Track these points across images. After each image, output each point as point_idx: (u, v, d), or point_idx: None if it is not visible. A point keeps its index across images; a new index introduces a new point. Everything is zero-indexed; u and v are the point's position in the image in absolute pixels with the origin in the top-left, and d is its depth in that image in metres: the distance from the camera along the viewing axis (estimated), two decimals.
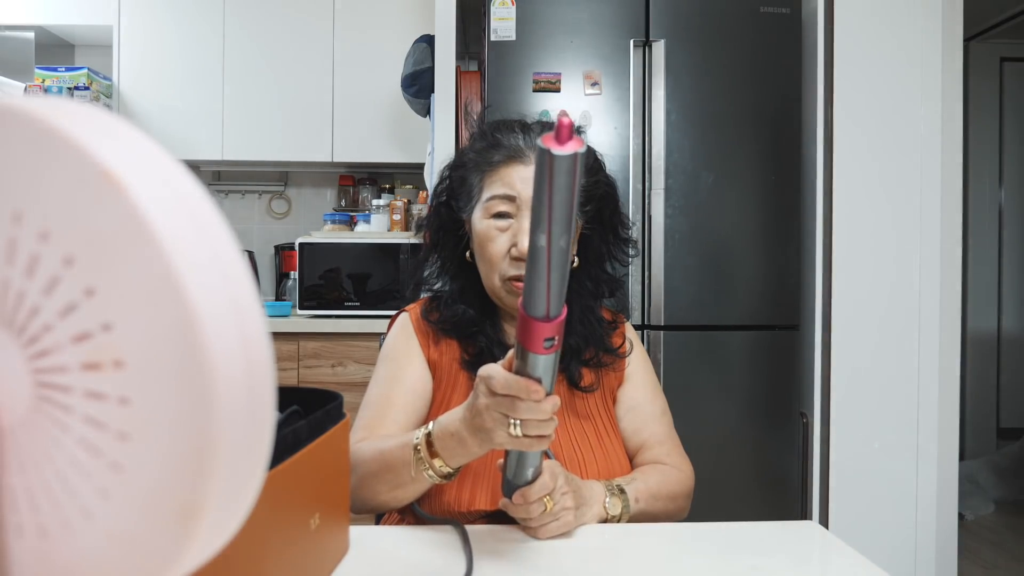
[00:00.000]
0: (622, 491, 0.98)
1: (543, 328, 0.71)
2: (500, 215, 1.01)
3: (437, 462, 0.86)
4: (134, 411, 0.29)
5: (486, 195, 1.01)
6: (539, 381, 0.74)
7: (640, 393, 1.12)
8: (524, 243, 0.97)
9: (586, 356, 1.08)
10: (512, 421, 0.76)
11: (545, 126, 1.06)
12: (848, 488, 2.17)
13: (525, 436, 0.77)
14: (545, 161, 0.62)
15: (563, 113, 0.62)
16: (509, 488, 0.87)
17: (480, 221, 1.02)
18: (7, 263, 0.30)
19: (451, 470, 0.87)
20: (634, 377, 1.13)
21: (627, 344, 1.13)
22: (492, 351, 1.05)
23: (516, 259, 1.00)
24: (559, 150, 0.62)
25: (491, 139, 1.04)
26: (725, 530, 0.93)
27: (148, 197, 0.28)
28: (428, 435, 0.86)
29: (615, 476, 1.03)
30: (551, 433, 0.77)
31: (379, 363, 1.10)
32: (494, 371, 0.76)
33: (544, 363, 0.74)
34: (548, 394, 0.75)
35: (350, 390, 2.36)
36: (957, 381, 2.22)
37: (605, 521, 0.95)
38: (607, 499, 0.96)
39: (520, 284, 1.00)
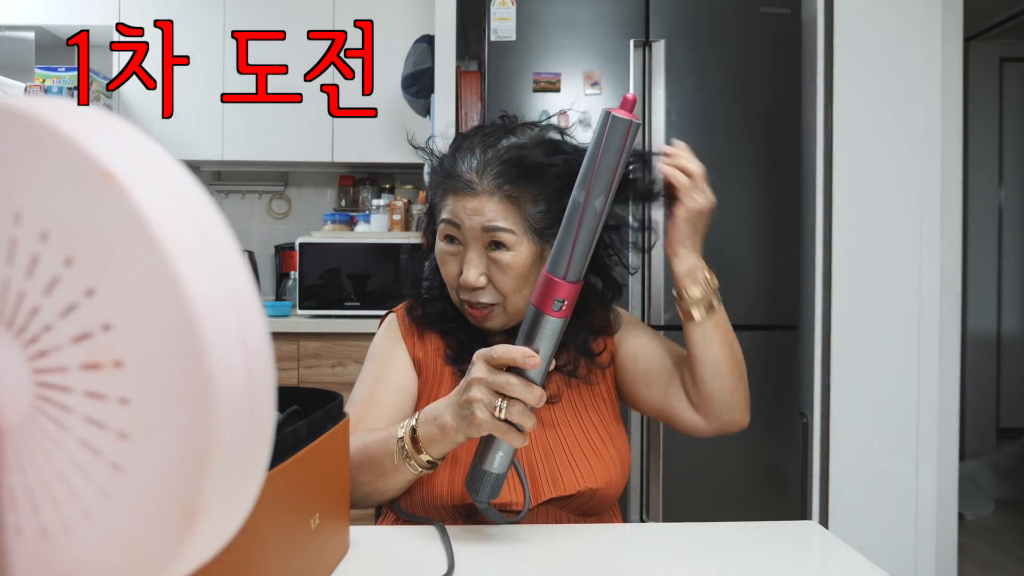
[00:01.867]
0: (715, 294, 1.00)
1: (558, 287, 0.77)
2: (450, 239, 1.00)
3: (422, 455, 0.87)
4: (134, 411, 0.29)
5: (441, 215, 1.01)
6: (537, 352, 0.78)
7: (637, 339, 1.09)
8: (469, 275, 0.97)
9: (562, 361, 1.04)
10: (499, 404, 0.78)
11: (508, 130, 1.02)
12: (848, 488, 2.17)
13: (506, 422, 0.78)
14: (604, 120, 0.74)
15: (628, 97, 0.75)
16: (473, 480, 0.84)
17: (438, 242, 1.02)
18: (7, 263, 0.30)
19: (433, 459, 0.87)
20: (624, 339, 1.10)
21: (608, 354, 1.09)
22: (473, 346, 1.04)
23: (463, 287, 0.99)
24: (619, 112, 0.73)
25: (450, 160, 1.01)
26: (725, 530, 0.93)
27: (148, 197, 0.29)
28: (413, 427, 0.88)
29: (597, 480, 1.00)
30: (531, 427, 0.79)
31: (366, 362, 1.10)
32: (495, 346, 0.80)
33: (550, 328, 0.78)
34: (545, 370, 0.79)
35: (350, 390, 2.35)
36: (957, 381, 2.22)
37: (693, 283, 0.97)
38: (706, 269, 0.98)
39: (472, 311, 1.00)
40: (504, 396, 0.78)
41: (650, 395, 1.07)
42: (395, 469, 0.89)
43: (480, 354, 0.81)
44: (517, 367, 0.79)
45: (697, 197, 0.95)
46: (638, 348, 1.09)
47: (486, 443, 0.83)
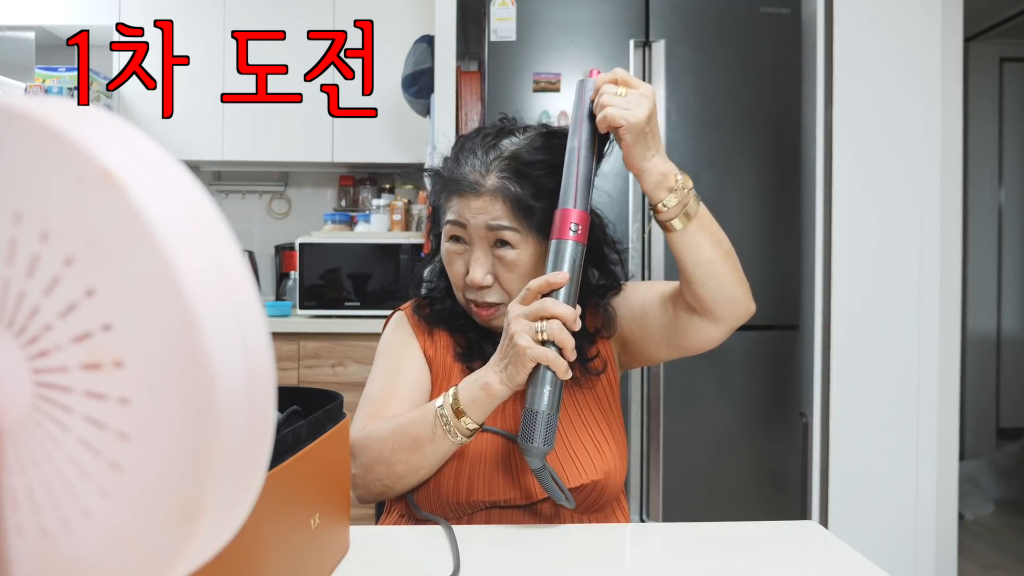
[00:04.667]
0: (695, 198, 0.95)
1: (570, 213, 0.90)
2: (455, 239, 1.01)
3: (463, 420, 0.90)
4: (134, 411, 0.29)
5: (446, 217, 1.02)
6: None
7: (629, 309, 1.08)
8: (476, 274, 0.98)
9: None
10: (538, 327, 0.85)
11: (508, 131, 1.03)
12: (848, 488, 2.17)
13: (549, 344, 0.85)
14: (580, 87, 0.95)
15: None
16: (526, 427, 0.87)
17: (444, 242, 1.03)
18: (7, 263, 0.30)
19: (476, 425, 0.91)
20: (622, 321, 1.09)
21: (600, 361, 1.10)
22: (482, 344, 1.06)
23: (470, 287, 1.00)
24: (590, 79, 0.95)
25: (453, 163, 1.02)
26: (725, 530, 0.93)
27: (148, 197, 0.29)
28: (454, 394, 0.91)
29: (598, 472, 1.01)
30: (571, 352, 0.86)
31: (377, 359, 1.10)
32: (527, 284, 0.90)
33: (571, 251, 0.89)
34: (572, 294, 0.88)
35: (350, 390, 2.36)
36: (957, 381, 2.22)
37: (667, 192, 0.92)
38: (678, 172, 0.93)
39: (479, 310, 1.02)
40: (542, 320, 0.86)
41: (660, 343, 1.06)
42: (432, 439, 0.91)
43: (514, 301, 0.90)
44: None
45: (629, 117, 0.89)
46: (633, 313, 1.08)
47: (532, 384, 0.87)
